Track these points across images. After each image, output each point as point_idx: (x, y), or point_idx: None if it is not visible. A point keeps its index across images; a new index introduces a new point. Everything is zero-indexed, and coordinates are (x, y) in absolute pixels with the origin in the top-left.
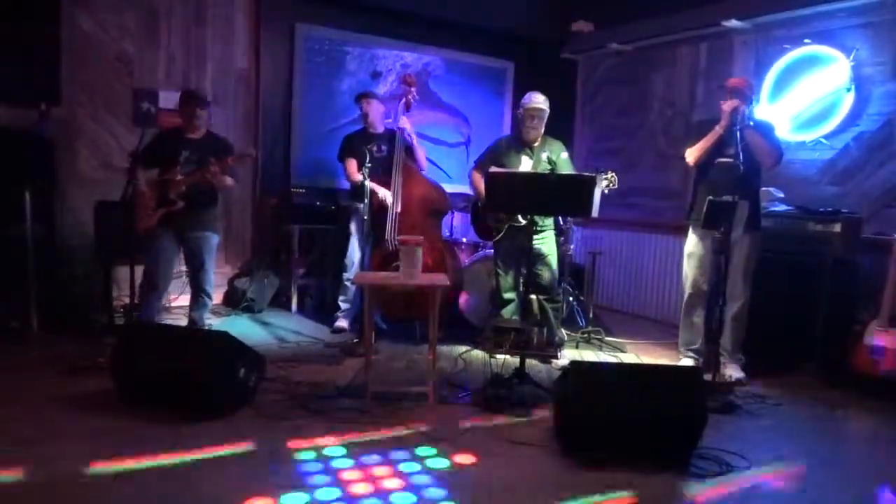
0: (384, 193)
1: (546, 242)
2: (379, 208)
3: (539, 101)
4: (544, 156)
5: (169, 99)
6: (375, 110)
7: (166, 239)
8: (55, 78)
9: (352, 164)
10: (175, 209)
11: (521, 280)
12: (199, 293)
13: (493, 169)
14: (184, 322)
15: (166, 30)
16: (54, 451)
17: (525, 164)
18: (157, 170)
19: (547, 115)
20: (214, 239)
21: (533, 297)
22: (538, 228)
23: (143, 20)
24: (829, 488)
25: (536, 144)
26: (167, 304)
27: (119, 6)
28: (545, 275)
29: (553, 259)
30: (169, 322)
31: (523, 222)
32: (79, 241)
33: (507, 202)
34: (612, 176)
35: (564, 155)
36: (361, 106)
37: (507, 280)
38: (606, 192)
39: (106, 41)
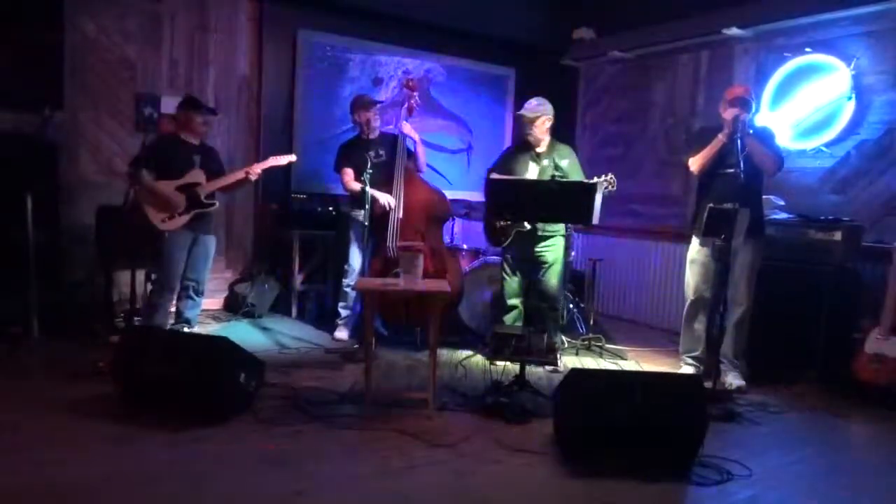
0: (386, 199)
1: (552, 250)
2: (381, 214)
3: (529, 106)
4: (552, 162)
5: (171, 104)
6: (375, 116)
7: (186, 240)
8: (58, 83)
9: (348, 174)
10: (210, 210)
11: (527, 287)
12: (198, 294)
13: (495, 175)
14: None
15: (169, 35)
16: (54, 456)
17: (532, 170)
18: (155, 173)
19: (546, 121)
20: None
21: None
22: (545, 234)
23: (146, 26)
24: (830, 497)
25: (543, 150)
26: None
27: (122, 12)
28: (549, 282)
29: (558, 267)
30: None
31: (528, 227)
32: (80, 246)
33: (508, 209)
34: (611, 178)
35: (574, 160)
36: (374, 112)
37: (511, 286)
38: (606, 193)
39: (109, 46)
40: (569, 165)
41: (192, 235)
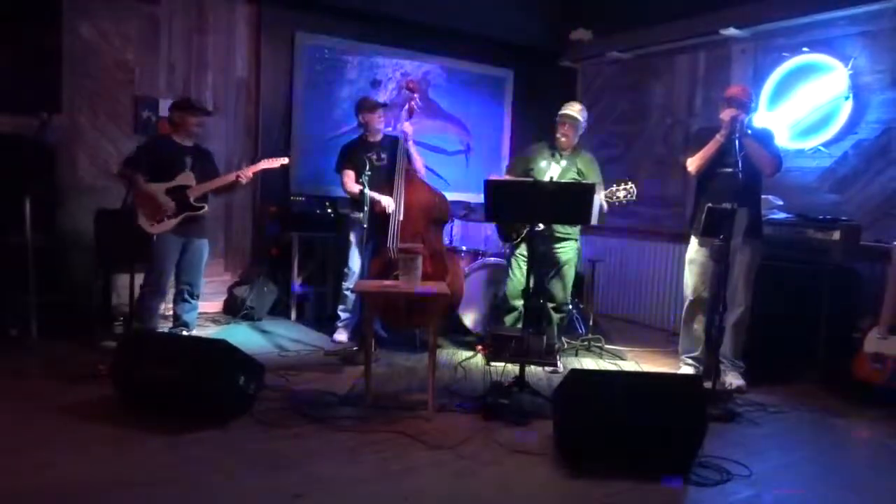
0: (387, 202)
1: (565, 252)
2: (381, 215)
3: (573, 109)
4: (573, 164)
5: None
6: (379, 119)
7: (176, 244)
8: (56, 86)
9: (349, 176)
10: (199, 213)
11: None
12: (193, 297)
13: (492, 177)
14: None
15: (167, 38)
16: (53, 459)
17: (553, 171)
18: (147, 175)
19: (581, 126)
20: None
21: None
22: (561, 235)
23: (144, 29)
24: (829, 497)
25: (567, 153)
26: (164, 311)
27: (120, 15)
28: (559, 283)
29: (569, 270)
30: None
31: (541, 226)
32: (79, 249)
33: (505, 210)
34: (630, 187)
35: (594, 166)
36: (379, 115)
37: (516, 286)
38: (625, 202)
39: (107, 49)
40: (588, 170)
41: (182, 240)
